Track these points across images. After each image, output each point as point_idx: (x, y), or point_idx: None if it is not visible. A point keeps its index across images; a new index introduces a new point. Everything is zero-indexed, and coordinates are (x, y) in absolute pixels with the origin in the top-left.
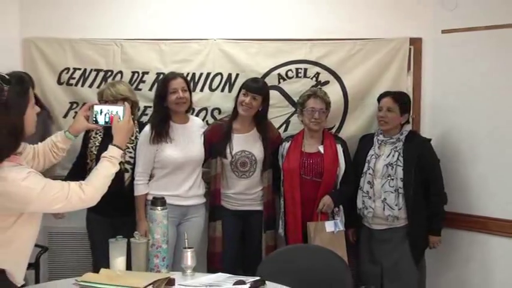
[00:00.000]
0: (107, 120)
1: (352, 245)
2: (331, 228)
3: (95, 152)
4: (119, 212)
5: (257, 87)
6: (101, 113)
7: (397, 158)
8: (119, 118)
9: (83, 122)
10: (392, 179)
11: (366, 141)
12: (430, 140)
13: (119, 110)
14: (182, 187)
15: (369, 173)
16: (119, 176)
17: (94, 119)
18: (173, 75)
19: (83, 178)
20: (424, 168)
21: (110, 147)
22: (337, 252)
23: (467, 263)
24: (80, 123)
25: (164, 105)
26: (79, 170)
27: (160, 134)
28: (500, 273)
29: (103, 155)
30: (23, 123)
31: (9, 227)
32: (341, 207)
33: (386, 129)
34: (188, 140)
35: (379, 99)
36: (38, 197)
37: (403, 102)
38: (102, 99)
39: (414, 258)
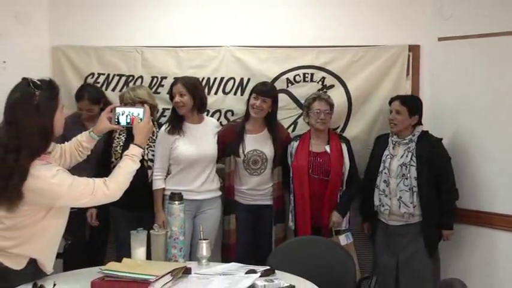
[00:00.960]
0: (128, 121)
1: (368, 237)
2: (344, 242)
3: (120, 151)
4: (142, 206)
5: (266, 91)
6: (123, 114)
7: (411, 158)
8: (140, 119)
9: (106, 123)
10: (407, 179)
11: (381, 141)
12: (441, 139)
13: (139, 112)
14: (195, 182)
15: (385, 173)
16: (143, 173)
17: (116, 120)
18: (175, 81)
19: (107, 175)
20: (436, 167)
21: (131, 146)
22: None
23: (474, 254)
24: (103, 124)
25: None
26: (102, 167)
27: (175, 127)
28: (504, 264)
29: (125, 153)
30: (53, 125)
31: (40, 220)
32: (346, 220)
33: (397, 130)
34: (201, 139)
35: (390, 102)
36: (66, 193)
37: (411, 105)
38: (123, 102)
39: (428, 251)
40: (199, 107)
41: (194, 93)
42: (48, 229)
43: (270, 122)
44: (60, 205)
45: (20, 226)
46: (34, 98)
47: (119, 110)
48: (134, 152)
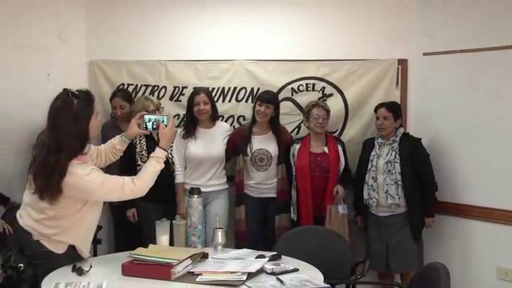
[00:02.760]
0: (155, 126)
1: (361, 229)
2: (341, 211)
3: (146, 154)
4: (169, 199)
5: (268, 98)
6: (149, 121)
7: (395, 156)
8: (165, 125)
9: (135, 128)
10: (392, 174)
11: (368, 144)
12: (420, 139)
13: (164, 119)
14: (203, 178)
15: (373, 170)
16: (168, 170)
17: (144, 126)
18: (197, 91)
19: (130, 175)
20: (417, 163)
21: (157, 149)
22: (343, 228)
23: (453, 242)
24: (133, 130)
25: (192, 113)
26: (126, 168)
27: (188, 132)
28: (479, 251)
29: (151, 155)
30: (88, 130)
31: (77, 211)
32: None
33: (385, 134)
34: (210, 142)
35: (375, 110)
36: (98, 189)
37: (395, 110)
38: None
39: (414, 237)
40: (214, 115)
41: (213, 102)
42: (84, 220)
43: (274, 124)
44: (93, 199)
45: (60, 217)
46: (72, 106)
47: (146, 117)
48: (159, 154)
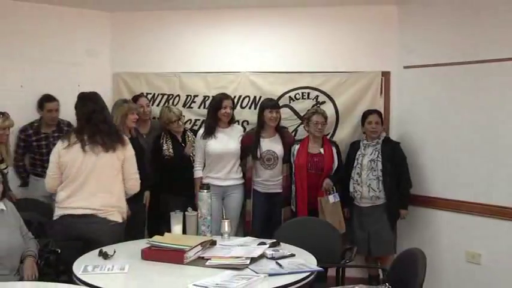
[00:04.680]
0: None
1: (347, 219)
2: (332, 200)
3: (171, 151)
4: (189, 191)
5: (276, 104)
6: None
7: (377, 156)
8: None
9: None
10: (375, 170)
11: (354, 145)
12: (399, 143)
13: None
14: (222, 171)
15: (358, 167)
16: (189, 167)
17: None
18: (226, 96)
19: (159, 171)
20: (395, 162)
21: None
22: (338, 216)
23: (423, 229)
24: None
25: (216, 114)
26: (155, 164)
27: (209, 132)
28: (445, 236)
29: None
30: None
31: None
32: (334, 188)
33: (375, 136)
34: (226, 139)
35: (366, 116)
36: None
37: (382, 117)
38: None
39: (391, 226)
40: (232, 118)
41: (233, 108)
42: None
43: (279, 128)
44: None
45: None
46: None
47: None
48: None
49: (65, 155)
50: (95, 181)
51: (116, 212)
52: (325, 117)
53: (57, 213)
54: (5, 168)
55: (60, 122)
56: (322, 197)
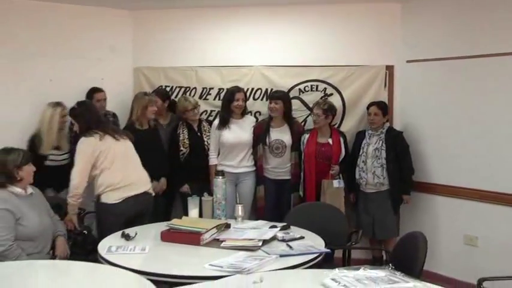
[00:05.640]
0: None
1: (352, 204)
2: (336, 185)
3: (187, 142)
4: (205, 178)
5: (275, 95)
6: None
7: (381, 145)
8: None
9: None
10: (379, 158)
11: (360, 135)
12: (402, 132)
13: None
14: (235, 160)
15: (363, 155)
16: (206, 155)
17: None
18: (238, 89)
19: (175, 163)
20: (398, 151)
21: None
22: (339, 200)
23: (424, 214)
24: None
25: (229, 106)
26: (172, 157)
27: (223, 123)
28: (444, 220)
29: None
30: None
31: None
32: (340, 175)
33: (375, 127)
34: (239, 130)
35: (368, 107)
36: None
37: (384, 109)
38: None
39: (394, 210)
40: (245, 109)
41: (245, 99)
42: None
43: (288, 118)
44: None
45: None
46: None
47: None
48: None
49: (101, 145)
50: (132, 162)
51: (150, 186)
52: (324, 110)
53: (116, 196)
54: (63, 154)
55: (107, 112)
56: (327, 179)
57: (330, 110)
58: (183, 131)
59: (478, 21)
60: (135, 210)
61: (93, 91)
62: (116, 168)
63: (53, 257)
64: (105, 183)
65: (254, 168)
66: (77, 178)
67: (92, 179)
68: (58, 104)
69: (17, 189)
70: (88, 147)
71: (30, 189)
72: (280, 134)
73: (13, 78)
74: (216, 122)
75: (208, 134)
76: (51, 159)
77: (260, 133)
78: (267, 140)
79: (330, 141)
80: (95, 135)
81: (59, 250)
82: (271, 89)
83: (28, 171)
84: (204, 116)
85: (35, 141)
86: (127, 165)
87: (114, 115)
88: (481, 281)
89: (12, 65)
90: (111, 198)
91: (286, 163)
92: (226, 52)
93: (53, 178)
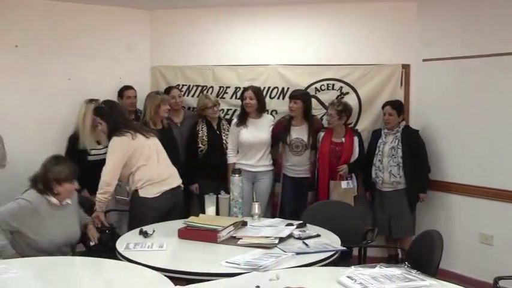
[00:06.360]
0: None
1: (369, 202)
2: (344, 186)
3: (206, 139)
4: (223, 176)
5: (294, 95)
6: None
7: (397, 143)
8: None
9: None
10: (395, 157)
11: (376, 134)
12: (418, 130)
13: None
14: (253, 159)
15: (379, 154)
16: (223, 154)
17: None
18: (246, 88)
19: (194, 160)
20: (414, 149)
21: None
22: (347, 201)
23: (440, 212)
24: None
25: (243, 105)
26: (191, 153)
27: (241, 122)
28: (460, 219)
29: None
30: None
31: None
32: (353, 175)
33: (390, 127)
34: (257, 129)
35: (383, 107)
36: None
37: (399, 108)
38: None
39: (410, 209)
40: (261, 108)
41: (258, 98)
42: None
43: (308, 118)
44: None
45: None
46: None
47: None
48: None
49: (134, 144)
50: (164, 158)
51: (181, 180)
52: (338, 111)
53: (155, 190)
54: (104, 148)
55: (138, 110)
56: (335, 180)
57: (344, 110)
58: (202, 128)
59: (495, 19)
60: (171, 204)
61: (124, 88)
62: (152, 164)
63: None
64: (143, 179)
65: (272, 168)
66: (108, 175)
67: (126, 178)
68: (91, 101)
69: (52, 199)
70: (121, 146)
71: (67, 201)
72: (301, 133)
73: (31, 77)
74: (235, 120)
75: (227, 132)
76: (93, 154)
77: (280, 131)
78: (288, 139)
79: (344, 140)
80: (127, 134)
81: (90, 232)
82: (288, 88)
83: (68, 189)
84: (221, 114)
85: (75, 138)
86: (160, 161)
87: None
88: (497, 279)
89: (31, 64)
90: (150, 192)
91: (305, 161)
92: (242, 51)
93: (94, 174)
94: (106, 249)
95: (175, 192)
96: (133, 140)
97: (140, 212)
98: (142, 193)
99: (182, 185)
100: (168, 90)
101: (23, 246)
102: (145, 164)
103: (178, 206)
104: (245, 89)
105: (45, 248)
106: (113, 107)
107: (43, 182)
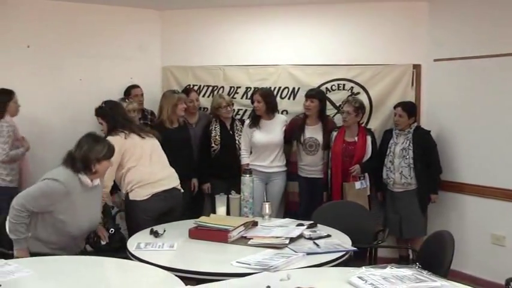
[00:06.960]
0: None
1: (380, 202)
2: (358, 186)
3: (219, 139)
4: (235, 176)
5: (310, 94)
6: None
7: (409, 144)
8: None
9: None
10: (406, 158)
11: (387, 134)
12: (429, 131)
13: None
14: (266, 160)
15: (390, 155)
16: (235, 154)
17: None
18: (255, 91)
19: (207, 159)
20: (426, 150)
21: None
22: (362, 201)
23: (452, 213)
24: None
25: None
26: (204, 152)
27: (253, 123)
28: (471, 220)
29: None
30: None
31: None
32: (366, 174)
33: (400, 128)
34: (270, 131)
35: (395, 107)
36: None
37: (410, 110)
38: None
39: (422, 209)
40: (271, 109)
41: (266, 100)
42: None
43: (322, 117)
44: None
45: None
46: None
47: None
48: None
49: (126, 144)
50: (160, 159)
51: (179, 182)
52: (356, 107)
53: (144, 193)
54: None
55: (145, 110)
56: (349, 182)
57: (361, 107)
58: (215, 127)
59: (507, 19)
60: (164, 206)
61: (130, 87)
62: (142, 166)
63: (94, 241)
64: (132, 181)
65: (285, 168)
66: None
67: (119, 179)
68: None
69: (85, 179)
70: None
71: (97, 181)
72: (315, 132)
73: (43, 77)
74: (248, 121)
75: (240, 132)
76: None
77: (294, 130)
78: (302, 138)
79: (357, 139)
80: (120, 133)
81: (101, 232)
82: (298, 88)
83: (105, 166)
84: (234, 113)
85: None
86: (154, 162)
87: (152, 113)
88: (508, 281)
89: (42, 64)
90: (139, 195)
91: (318, 161)
92: (253, 51)
93: None
94: (111, 249)
95: (170, 195)
96: (126, 140)
97: (131, 215)
98: (132, 196)
99: (180, 188)
100: (186, 92)
101: (48, 227)
102: (134, 165)
103: (176, 208)
104: (253, 93)
105: (70, 229)
106: (114, 107)
107: (83, 161)
